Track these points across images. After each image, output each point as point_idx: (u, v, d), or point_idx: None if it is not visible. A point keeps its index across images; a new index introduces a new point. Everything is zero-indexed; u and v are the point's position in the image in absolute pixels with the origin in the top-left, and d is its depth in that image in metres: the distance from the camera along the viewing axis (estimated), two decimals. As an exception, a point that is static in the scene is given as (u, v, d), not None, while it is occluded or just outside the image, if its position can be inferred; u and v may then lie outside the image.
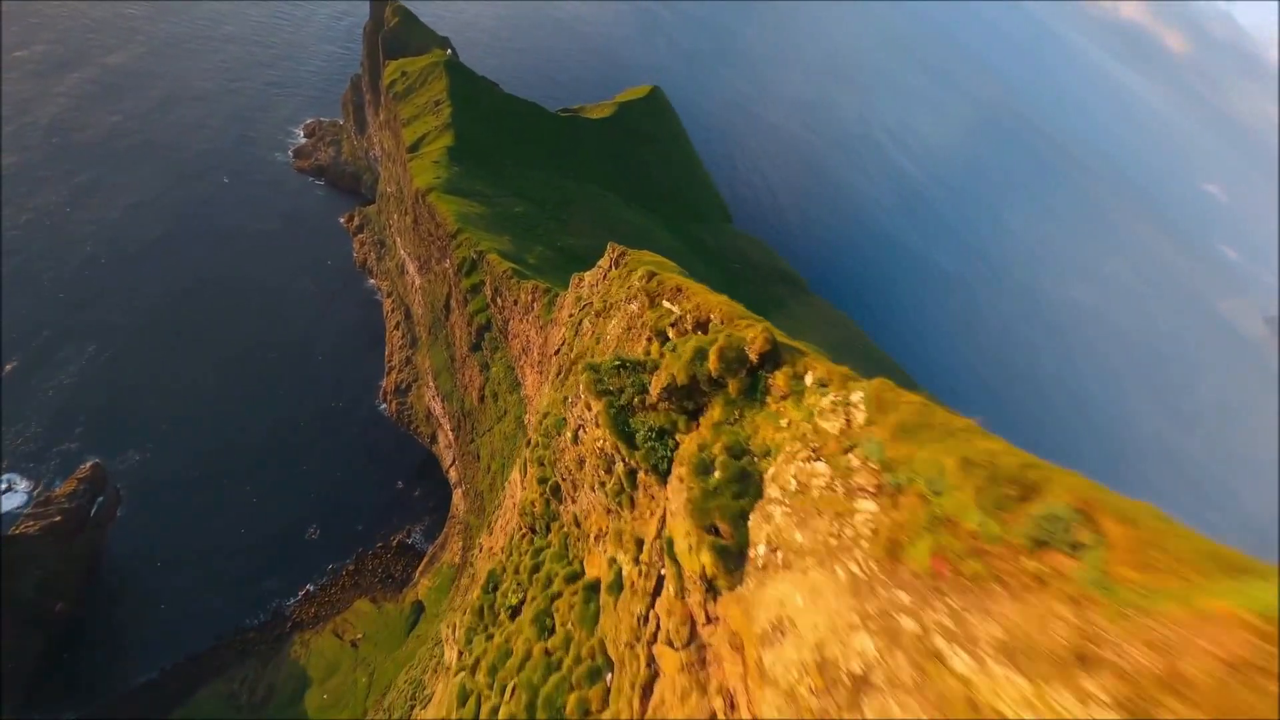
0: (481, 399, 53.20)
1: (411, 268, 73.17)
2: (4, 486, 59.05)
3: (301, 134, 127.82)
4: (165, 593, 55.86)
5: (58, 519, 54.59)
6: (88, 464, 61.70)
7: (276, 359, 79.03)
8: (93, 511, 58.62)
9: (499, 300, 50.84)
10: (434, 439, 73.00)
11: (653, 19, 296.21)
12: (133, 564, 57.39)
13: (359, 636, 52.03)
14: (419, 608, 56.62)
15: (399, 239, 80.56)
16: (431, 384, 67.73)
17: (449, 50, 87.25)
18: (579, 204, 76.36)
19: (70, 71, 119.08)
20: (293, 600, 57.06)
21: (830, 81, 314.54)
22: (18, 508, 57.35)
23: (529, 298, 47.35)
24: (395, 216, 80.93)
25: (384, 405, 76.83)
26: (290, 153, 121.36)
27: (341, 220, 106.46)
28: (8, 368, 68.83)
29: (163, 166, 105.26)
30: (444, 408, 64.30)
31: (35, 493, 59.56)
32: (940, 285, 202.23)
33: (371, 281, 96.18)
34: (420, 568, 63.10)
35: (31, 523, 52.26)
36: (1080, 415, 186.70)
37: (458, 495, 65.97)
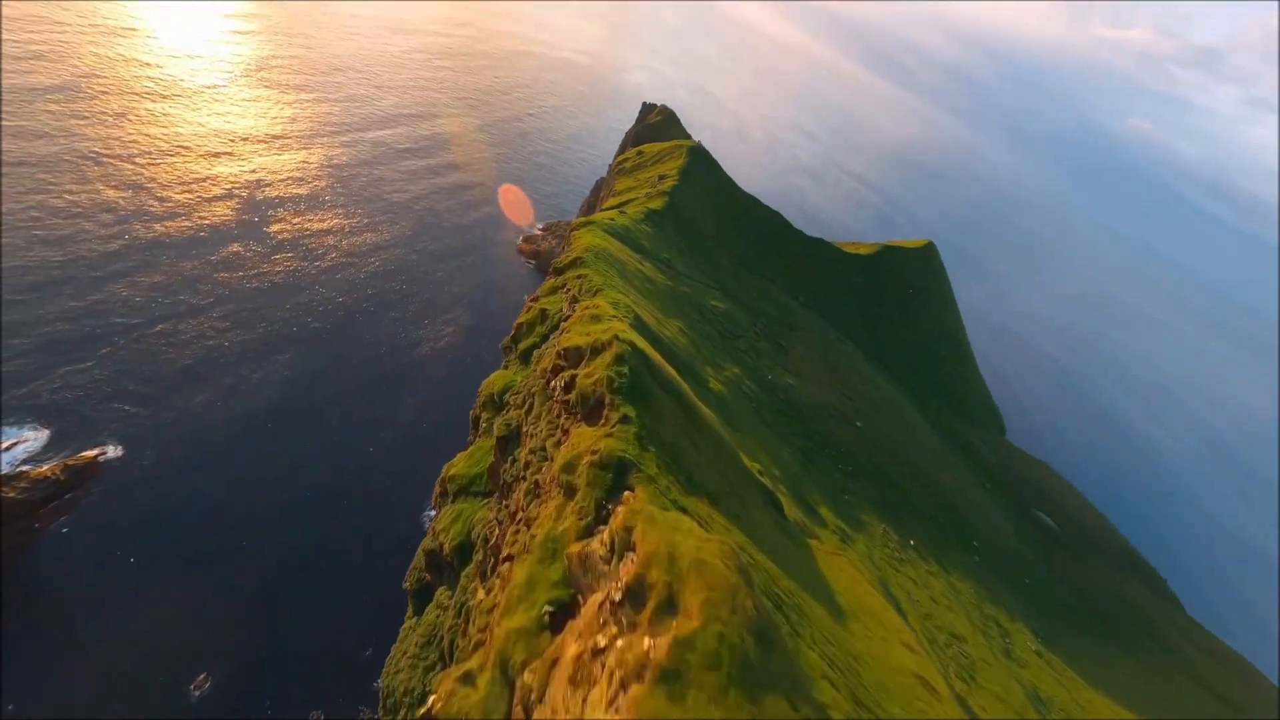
0: (449, 563, 24.71)
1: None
2: (10, 440, 48.95)
3: (539, 228, 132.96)
4: (26, 651, 36.33)
5: (-16, 502, 40.84)
6: (93, 452, 49.86)
7: (366, 429, 65.15)
8: (42, 507, 44.57)
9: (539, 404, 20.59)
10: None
11: (909, 215, 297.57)
12: (31, 590, 40.03)
13: None
14: None
15: (556, 317, 63.98)
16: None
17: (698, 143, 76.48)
18: (805, 333, 50.63)
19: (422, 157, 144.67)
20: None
21: (1094, 314, 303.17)
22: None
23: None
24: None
25: (433, 512, 54.47)
26: (521, 238, 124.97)
27: (526, 297, 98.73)
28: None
29: (414, 220, 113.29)
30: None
31: (31, 458, 48.39)
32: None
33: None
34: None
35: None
36: None
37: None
